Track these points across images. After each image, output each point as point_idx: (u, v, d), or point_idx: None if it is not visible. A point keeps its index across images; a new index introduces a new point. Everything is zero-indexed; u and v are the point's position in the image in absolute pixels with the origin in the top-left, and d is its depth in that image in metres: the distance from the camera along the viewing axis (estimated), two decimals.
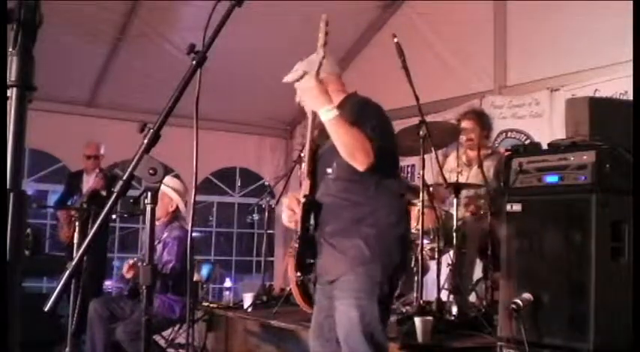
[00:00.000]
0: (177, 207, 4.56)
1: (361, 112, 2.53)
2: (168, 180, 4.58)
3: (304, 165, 2.65)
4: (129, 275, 4.19)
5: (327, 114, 2.38)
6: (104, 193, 5.46)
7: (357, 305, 2.45)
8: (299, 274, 2.62)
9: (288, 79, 2.69)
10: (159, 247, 4.38)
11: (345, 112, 2.47)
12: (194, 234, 6.82)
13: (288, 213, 2.67)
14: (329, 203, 2.58)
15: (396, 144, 2.80)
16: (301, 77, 2.61)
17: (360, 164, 2.41)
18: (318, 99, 2.41)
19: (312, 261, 2.59)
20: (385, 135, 2.55)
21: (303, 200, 2.59)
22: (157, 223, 4.28)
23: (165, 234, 4.46)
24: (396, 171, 2.79)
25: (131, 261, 4.19)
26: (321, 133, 2.64)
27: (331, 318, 2.57)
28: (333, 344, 2.59)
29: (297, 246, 2.60)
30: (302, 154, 5.20)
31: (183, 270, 4.25)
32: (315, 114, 2.55)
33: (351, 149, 2.39)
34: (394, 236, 2.56)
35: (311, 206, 2.57)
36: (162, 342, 4.64)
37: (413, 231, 4.03)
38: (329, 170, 2.57)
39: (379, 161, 2.43)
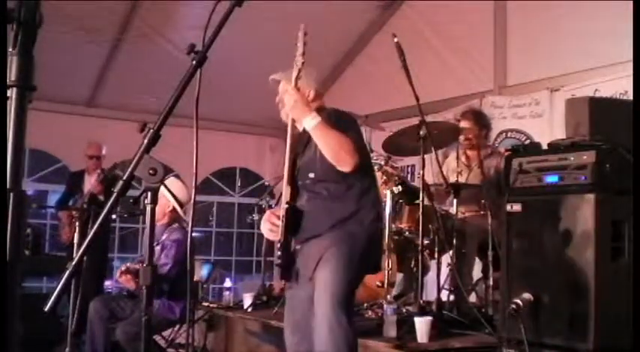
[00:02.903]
0: (174, 208, 4.52)
1: (339, 119, 2.70)
2: (172, 183, 4.51)
3: (285, 169, 2.75)
4: (122, 280, 4.16)
5: (311, 122, 2.55)
6: (102, 198, 5.45)
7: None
8: (284, 281, 2.78)
9: (278, 76, 2.88)
10: (157, 249, 4.35)
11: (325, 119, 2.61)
12: (194, 234, 6.82)
13: (268, 226, 2.79)
14: (313, 206, 2.69)
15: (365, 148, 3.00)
16: (278, 83, 2.84)
17: (346, 164, 2.56)
18: (301, 111, 2.58)
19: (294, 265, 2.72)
20: (361, 138, 2.76)
21: (285, 207, 2.68)
22: (157, 224, 4.32)
23: (164, 236, 4.43)
24: (371, 171, 2.99)
25: (123, 268, 4.16)
26: (299, 143, 2.77)
27: (309, 313, 2.63)
28: (310, 341, 2.64)
29: (280, 253, 2.70)
30: None
31: (179, 274, 4.22)
32: (293, 125, 2.71)
33: (337, 151, 2.55)
34: (376, 231, 2.76)
35: (293, 213, 2.68)
36: (162, 342, 4.64)
37: (413, 230, 4.04)
38: (311, 174, 2.70)
39: (360, 161, 2.59)
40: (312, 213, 2.70)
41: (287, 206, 2.68)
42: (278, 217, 2.76)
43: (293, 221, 2.68)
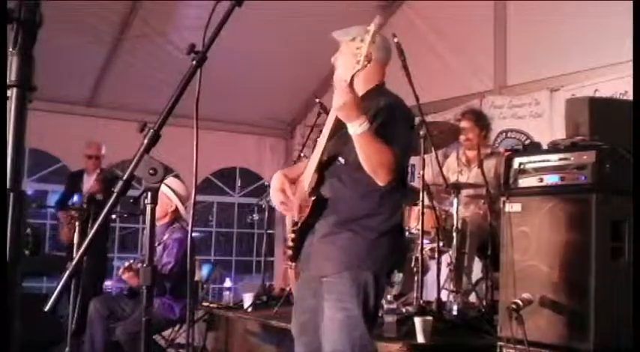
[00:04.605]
0: (177, 208, 4.53)
1: (389, 119, 2.45)
2: (172, 182, 4.55)
3: (315, 155, 2.53)
4: (125, 277, 4.17)
5: (357, 130, 2.30)
6: (100, 197, 5.46)
7: (341, 308, 2.40)
8: (293, 263, 2.57)
9: (338, 35, 2.69)
10: (159, 248, 4.36)
11: (368, 107, 2.41)
12: (194, 234, 6.83)
13: (281, 197, 2.59)
14: (335, 191, 2.50)
15: (411, 150, 2.77)
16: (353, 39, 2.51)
17: (381, 180, 2.37)
18: (349, 113, 2.31)
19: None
20: (406, 148, 2.50)
21: (313, 198, 2.49)
22: (157, 224, 4.33)
23: (166, 236, 4.44)
24: (405, 179, 2.69)
25: (127, 263, 4.17)
26: (339, 124, 2.51)
27: (317, 318, 2.50)
28: (315, 345, 2.52)
29: (293, 235, 2.54)
30: (302, 154, 5.25)
31: (181, 273, 4.22)
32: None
33: (375, 165, 2.35)
34: (389, 243, 2.50)
35: (318, 204, 2.49)
36: (162, 342, 4.64)
37: (413, 230, 4.04)
38: (341, 159, 2.49)
39: (397, 175, 2.39)
40: (330, 200, 2.50)
41: (315, 197, 2.48)
42: (293, 181, 2.56)
43: (317, 212, 2.49)
